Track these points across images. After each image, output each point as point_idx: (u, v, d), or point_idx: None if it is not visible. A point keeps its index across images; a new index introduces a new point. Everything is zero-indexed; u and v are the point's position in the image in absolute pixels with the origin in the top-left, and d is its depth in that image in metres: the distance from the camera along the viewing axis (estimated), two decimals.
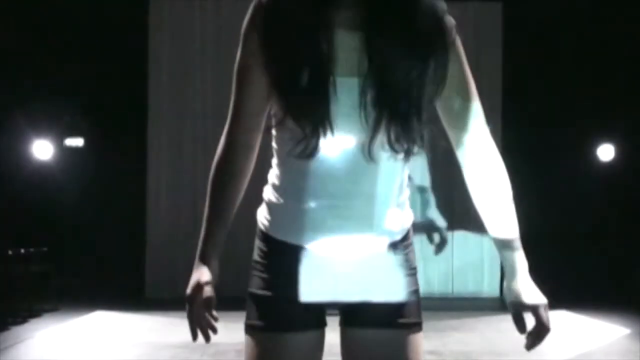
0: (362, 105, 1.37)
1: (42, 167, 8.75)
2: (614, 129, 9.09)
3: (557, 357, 5.39)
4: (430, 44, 1.37)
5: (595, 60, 8.86)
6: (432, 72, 1.38)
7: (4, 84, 8.22)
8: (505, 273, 1.53)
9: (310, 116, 1.37)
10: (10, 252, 7.45)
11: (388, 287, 1.51)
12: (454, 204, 8.07)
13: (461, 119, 1.48)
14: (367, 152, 1.41)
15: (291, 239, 1.51)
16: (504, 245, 1.52)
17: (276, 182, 1.55)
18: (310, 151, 1.39)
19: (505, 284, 1.52)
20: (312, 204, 1.47)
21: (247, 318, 1.59)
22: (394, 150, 1.40)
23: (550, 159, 8.85)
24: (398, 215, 1.53)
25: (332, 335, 1.63)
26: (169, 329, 6.82)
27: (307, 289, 1.50)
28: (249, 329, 1.58)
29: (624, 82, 8.70)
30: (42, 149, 8.77)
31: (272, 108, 1.49)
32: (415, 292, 1.55)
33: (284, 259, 1.52)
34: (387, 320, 1.50)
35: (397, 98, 1.36)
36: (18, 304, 7.31)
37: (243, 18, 1.53)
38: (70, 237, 8.62)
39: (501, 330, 6.50)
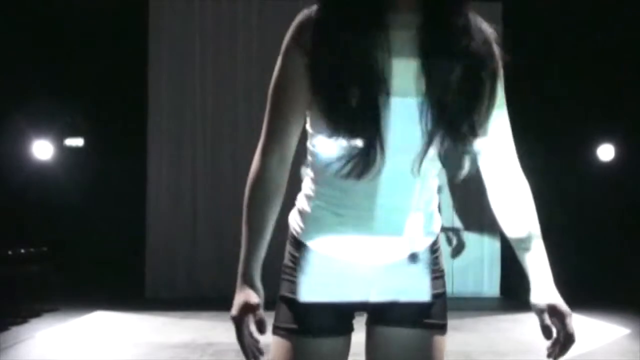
0: (423, 124, 1.38)
1: (42, 167, 8.75)
2: (614, 129, 9.08)
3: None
4: (485, 66, 1.40)
5: (595, 60, 8.86)
6: (486, 92, 1.41)
7: (4, 84, 8.22)
8: (531, 281, 1.52)
9: (362, 137, 1.36)
10: (10, 252, 7.45)
11: (416, 289, 1.55)
12: (453, 204, 8.07)
13: (496, 133, 1.50)
14: (417, 170, 1.43)
15: (324, 249, 1.55)
16: (531, 255, 1.52)
17: (311, 193, 1.56)
18: (360, 172, 1.39)
19: (533, 292, 1.51)
20: (348, 217, 1.50)
21: (276, 320, 1.59)
22: (445, 166, 1.44)
23: (550, 159, 8.85)
24: (430, 222, 1.57)
25: (357, 335, 1.66)
26: (169, 329, 6.82)
27: (337, 295, 1.54)
28: (278, 331, 1.58)
29: (624, 82, 8.70)
30: (42, 149, 8.76)
31: (314, 125, 1.47)
32: (442, 294, 1.59)
33: (314, 265, 1.55)
34: (413, 320, 1.54)
35: (455, 118, 1.38)
36: (18, 304, 7.31)
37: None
38: (70, 237, 8.62)
39: (501, 330, 6.51)
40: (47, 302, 7.61)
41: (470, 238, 8.91)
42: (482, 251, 8.99)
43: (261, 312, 1.45)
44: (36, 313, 7.34)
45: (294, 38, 1.43)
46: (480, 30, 1.41)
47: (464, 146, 1.40)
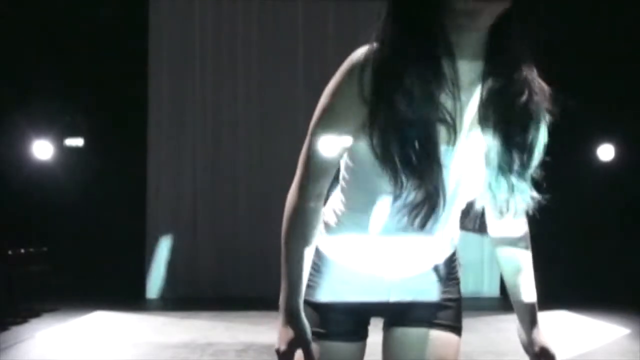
0: (493, 171, 1.39)
1: (42, 167, 8.74)
2: (614, 129, 9.08)
3: (557, 357, 5.38)
4: (540, 120, 1.42)
5: (595, 59, 8.86)
6: (539, 145, 1.44)
7: (4, 84, 8.22)
8: (524, 325, 1.62)
9: (426, 189, 1.33)
10: (10, 252, 7.45)
11: (433, 294, 1.61)
12: None
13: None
14: (461, 206, 1.48)
15: (345, 262, 1.58)
16: (525, 301, 1.61)
17: (339, 213, 1.56)
18: (423, 223, 1.36)
19: (527, 336, 1.62)
20: (376, 239, 1.51)
21: None
22: (497, 203, 1.45)
23: (550, 159, 8.83)
24: (455, 235, 1.63)
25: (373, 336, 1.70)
26: (169, 329, 6.83)
27: (356, 300, 1.59)
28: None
29: (624, 82, 8.69)
30: (42, 149, 8.75)
31: (360, 163, 1.44)
32: (458, 299, 1.68)
33: (335, 274, 1.58)
34: (429, 320, 1.60)
35: (517, 162, 1.39)
36: (18, 304, 7.31)
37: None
38: (70, 237, 8.61)
39: (501, 330, 6.50)
40: (47, 302, 7.62)
41: (470, 238, 8.88)
42: (482, 251, 8.98)
43: (315, 346, 1.48)
44: (36, 313, 7.35)
45: (347, 75, 1.34)
46: (538, 84, 1.41)
47: (522, 189, 1.42)
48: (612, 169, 9.23)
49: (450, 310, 1.65)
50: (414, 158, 1.29)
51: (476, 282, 9.20)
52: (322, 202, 1.50)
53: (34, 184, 8.64)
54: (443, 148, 1.33)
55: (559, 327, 6.66)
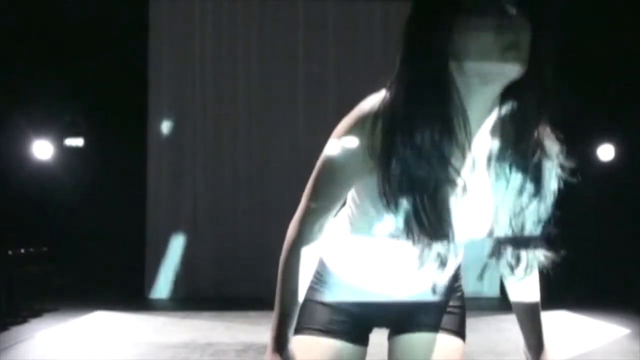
0: (502, 227, 1.39)
1: (42, 167, 8.74)
2: (614, 129, 9.08)
3: (557, 357, 5.38)
4: (552, 177, 1.41)
5: (595, 59, 8.86)
6: (550, 200, 1.43)
7: (4, 84, 8.22)
8: (530, 348, 1.64)
9: (438, 240, 1.32)
10: (10, 252, 7.45)
11: (437, 303, 1.63)
12: None
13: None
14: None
15: (350, 278, 1.60)
16: (532, 319, 1.63)
17: (345, 237, 1.57)
18: (441, 269, 1.37)
19: (533, 353, 1.64)
20: (383, 263, 1.53)
21: (299, 323, 1.61)
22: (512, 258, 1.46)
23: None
24: (462, 252, 1.63)
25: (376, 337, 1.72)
26: (169, 329, 6.83)
27: (358, 312, 1.62)
28: (302, 331, 1.63)
29: (624, 82, 8.69)
30: (42, 149, 8.75)
31: (370, 205, 1.42)
32: (462, 307, 1.70)
33: (338, 286, 1.61)
34: (434, 325, 1.62)
35: (527, 220, 1.39)
36: (18, 304, 7.31)
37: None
38: (70, 237, 8.61)
39: (501, 330, 6.51)
40: (47, 302, 7.62)
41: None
42: (482, 251, 8.97)
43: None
44: (36, 313, 7.35)
45: (357, 125, 1.32)
46: (550, 141, 1.40)
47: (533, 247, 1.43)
48: (612, 169, 9.23)
49: (455, 316, 1.67)
50: (424, 217, 1.28)
51: (476, 282, 9.15)
52: (321, 234, 1.49)
53: (34, 184, 8.64)
54: (453, 200, 1.32)
55: (559, 327, 6.66)
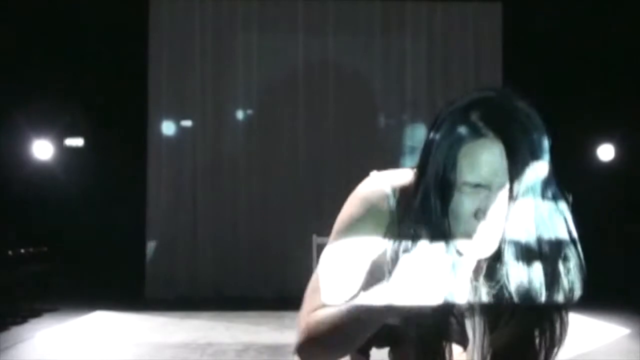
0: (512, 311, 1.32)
1: (42, 167, 8.74)
2: (614, 129, 9.08)
3: (557, 357, 5.38)
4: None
5: (595, 59, 8.86)
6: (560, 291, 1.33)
7: (4, 84, 8.22)
8: None
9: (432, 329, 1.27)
10: (10, 252, 7.45)
11: None
12: None
13: None
14: None
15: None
16: None
17: None
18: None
19: None
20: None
21: None
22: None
23: (550, 159, 8.83)
24: None
25: None
26: (169, 329, 6.83)
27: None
28: None
29: (624, 81, 8.70)
30: (42, 149, 8.76)
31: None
32: None
33: None
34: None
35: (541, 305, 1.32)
36: (18, 304, 7.31)
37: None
38: (70, 237, 8.61)
39: None
40: (47, 302, 7.62)
41: None
42: None
43: None
44: (36, 313, 7.35)
45: (366, 207, 1.27)
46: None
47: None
48: (612, 169, 9.24)
49: None
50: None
51: None
52: None
53: (34, 184, 8.65)
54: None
55: None
